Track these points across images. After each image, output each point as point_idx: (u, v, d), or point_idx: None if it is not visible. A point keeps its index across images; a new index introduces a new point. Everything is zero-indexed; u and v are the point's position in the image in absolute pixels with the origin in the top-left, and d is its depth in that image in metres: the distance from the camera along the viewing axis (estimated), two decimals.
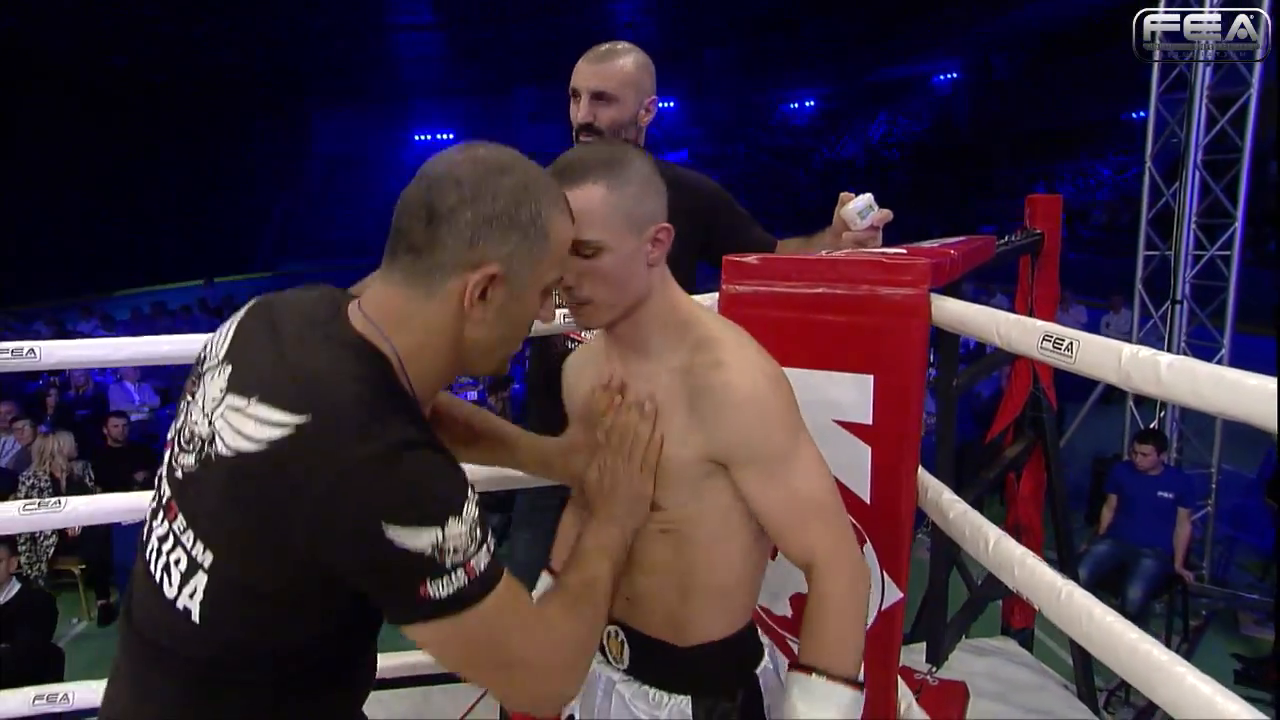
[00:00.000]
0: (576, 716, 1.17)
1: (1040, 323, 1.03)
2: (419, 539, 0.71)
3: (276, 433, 0.73)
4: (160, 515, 0.83)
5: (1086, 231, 15.87)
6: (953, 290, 1.43)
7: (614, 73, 1.54)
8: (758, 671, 1.07)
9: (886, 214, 1.43)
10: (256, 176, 24.32)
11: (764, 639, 1.12)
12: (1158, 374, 0.78)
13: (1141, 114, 5.23)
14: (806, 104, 28.33)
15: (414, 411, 0.80)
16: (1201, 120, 4.48)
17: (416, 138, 27.14)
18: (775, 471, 0.96)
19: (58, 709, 1.45)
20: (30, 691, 1.47)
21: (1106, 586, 3.99)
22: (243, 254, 23.03)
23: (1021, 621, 2.45)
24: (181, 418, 0.84)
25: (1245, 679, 3.44)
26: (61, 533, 4.55)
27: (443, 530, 0.72)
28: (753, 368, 0.96)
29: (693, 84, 27.11)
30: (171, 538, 0.80)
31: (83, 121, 18.30)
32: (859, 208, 1.43)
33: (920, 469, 1.44)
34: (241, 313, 0.89)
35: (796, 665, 0.98)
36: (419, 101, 26.80)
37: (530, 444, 1.17)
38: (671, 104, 28.38)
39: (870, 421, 1.35)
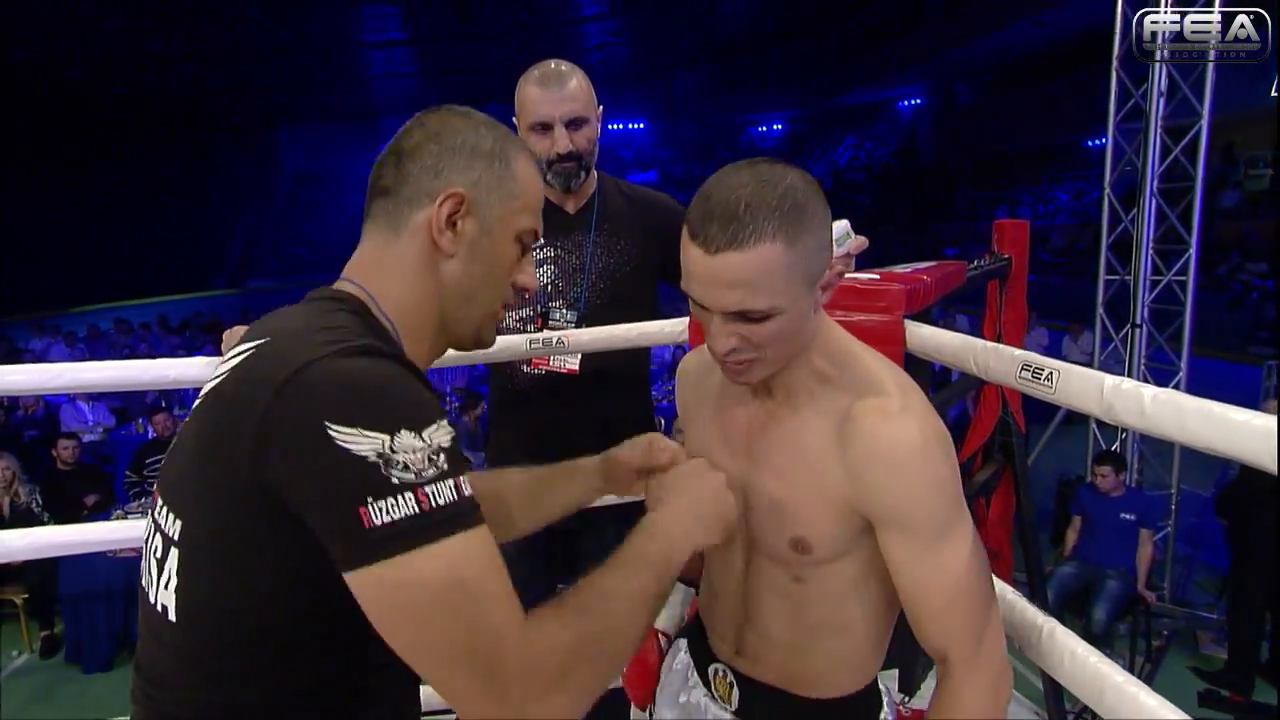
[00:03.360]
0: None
1: (1018, 351, 1.01)
2: (362, 442, 0.60)
3: (239, 359, 0.70)
4: (150, 525, 0.76)
5: (1046, 255, 16.22)
6: (923, 315, 1.42)
7: (578, 94, 1.53)
8: None
9: (863, 241, 1.40)
10: (222, 193, 24.01)
11: (882, 686, 1.03)
12: (1141, 406, 0.77)
13: (1099, 141, 5.36)
14: (774, 127, 28.79)
15: (388, 339, 0.75)
16: (1156, 149, 4.58)
17: None
18: (928, 543, 0.83)
19: None
20: None
21: (1072, 608, 4.01)
22: (208, 270, 22.69)
23: None
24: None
25: (1209, 701, 3.48)
26: None
27: (392, 439, 0.61)
28: (921, 423, 0.83)
29: (663, 106, 27.38)
30: (155, 533, 0.73)
31: (41, 135, 17.91)
32: (835, 235, 1.39)
33: None
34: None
35: None
36: (389, 119, 26.68)
37: (593, 463, 1.07)
38: (641, 125, 28.66)
39: None
